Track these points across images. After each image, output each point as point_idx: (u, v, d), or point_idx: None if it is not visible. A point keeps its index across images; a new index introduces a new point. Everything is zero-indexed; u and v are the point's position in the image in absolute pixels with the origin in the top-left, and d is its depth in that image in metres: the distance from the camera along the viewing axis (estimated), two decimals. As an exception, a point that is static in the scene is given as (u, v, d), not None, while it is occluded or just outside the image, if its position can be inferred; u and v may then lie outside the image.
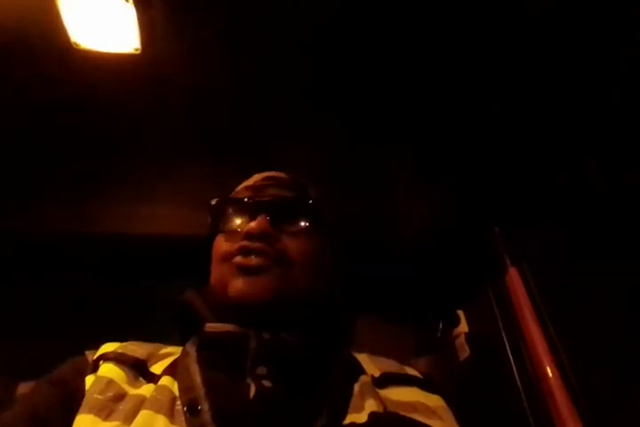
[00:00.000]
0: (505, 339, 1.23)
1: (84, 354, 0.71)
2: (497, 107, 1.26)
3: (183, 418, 0.58)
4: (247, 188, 0.80)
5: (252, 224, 0.71)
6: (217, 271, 0.74)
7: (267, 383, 0.63)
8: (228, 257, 0.71)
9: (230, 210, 0.77)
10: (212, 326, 0.69)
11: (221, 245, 0.74)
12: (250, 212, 0.74)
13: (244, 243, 0.70)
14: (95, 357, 0.69)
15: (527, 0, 1.04)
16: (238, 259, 0.69)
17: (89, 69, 1.21)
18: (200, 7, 1.10)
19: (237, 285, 0.68)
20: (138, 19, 1.10)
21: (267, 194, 0.77)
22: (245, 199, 0.76)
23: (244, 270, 0.68)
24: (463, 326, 1.44)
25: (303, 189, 0.80)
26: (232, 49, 1.19)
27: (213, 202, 0.79)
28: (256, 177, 0.83)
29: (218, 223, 0.77)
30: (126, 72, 1.22)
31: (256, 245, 0.69)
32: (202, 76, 1.25)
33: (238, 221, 0.75)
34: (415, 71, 1.21)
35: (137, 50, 1.16)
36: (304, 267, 0.72)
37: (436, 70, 1.21)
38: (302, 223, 0.75)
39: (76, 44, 1.15)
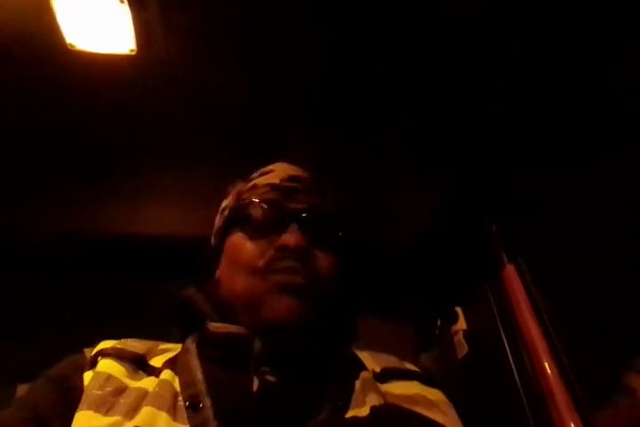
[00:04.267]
0: (503, 336, 1.23)
1: (82, 351, 0.71)
2: (494, 105, 1.26)
3: (185, 414, 0.58)
4: (273, 186, 0.75)
5: (288, 237, 0.68)
6: (242, 279, 0.69)
7: (270, 378, 0.63)
8: (259, 269, 0.68)
9: (257, 209, 0.73)
10: (216, 327, 0.68)
11: (246, 249, 0.71)
12: (281, 218, 0.70)
13: (281, 264, 0.67)
14: (93, 353, 0.69)
15: (526, 2, 1.04)
16: (281, 278, 0.66)
17: (85, 70, 1.21)
18: (195, 7, 1.10)
19: (280, 303, 0.65)
20: (133, 20, 1.09)
21: (297, 200, 0.73)
22: (277, 202, 0.72)
23: (285, 290, 0.66)
24: (462, 323, 1.45)
25: (326, 195, 0.78)
26: (229, 49, 1.19)
27: (240, 193, 0.76)
28: (279, 173, 0.78)
29: (239, 219, 0.74)
30: (122, 73, 1.22)
31: (292, 264, 0.67)
32: (199, 77, 1.25)
33: (267, 226, 0.71)
34: (413, 71, 1.21)
35: (132, 51, 1.16)
36: (332, 284, 0.71)
37: (434, 69, 1.21)
38: (332, 239, 0.73)
39: (71, 45, 1.15)
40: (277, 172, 0.79)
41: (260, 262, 0.68)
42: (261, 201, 0.73)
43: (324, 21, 1.12)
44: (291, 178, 0.77)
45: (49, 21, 1.09)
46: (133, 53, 1.17)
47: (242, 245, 0.71)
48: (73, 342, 0.77)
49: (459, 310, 1.48)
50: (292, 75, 1.24)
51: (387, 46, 1.16)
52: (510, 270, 1.26)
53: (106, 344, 0.71)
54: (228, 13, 1.11)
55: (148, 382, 0.64)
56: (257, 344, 0.65)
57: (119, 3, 1.07)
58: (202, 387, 0.62)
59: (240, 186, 0.80)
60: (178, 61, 1.21)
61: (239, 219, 0.74)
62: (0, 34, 1.12)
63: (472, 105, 1.28)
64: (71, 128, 1.37)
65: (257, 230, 0.71)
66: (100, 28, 1.12)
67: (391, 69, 1.21)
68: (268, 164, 0.83)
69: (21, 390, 1.43)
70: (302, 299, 0.66)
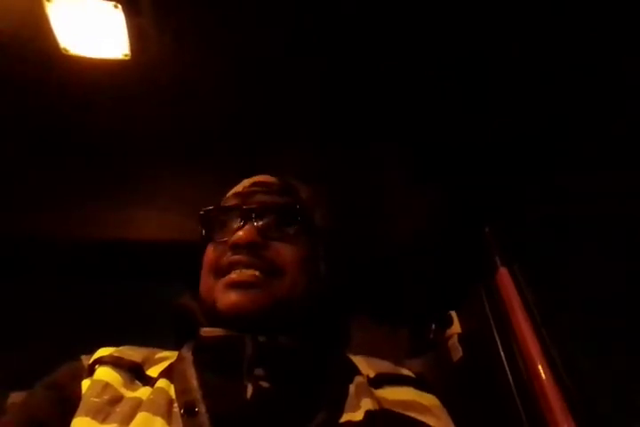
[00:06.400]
0: (497, 339, 1.23)
1: (79, 358, 0.71)
2: (491, 109, 1.27)
3: (180, 420, 0.59)
4: (236, 195, 0.80)
5: (239, 234, 0.71)
6: (205, 283, 0.74)
7: (264, 384, 0.63)
8: (217, 272, 0.72)
9: (219, 218, 0.77)
10: (206, 331, 0.69)
11: (210, 255, 0.75)
12: (237, 220, 0.74)
13: (233, 258, 0.70)
14: (91, 361, 0.69)
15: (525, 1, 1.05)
16: (231, 276, 0.69)
17: (79, 75, 1.21)
18: (190, 12, 1.10)
19: (228, 299, 0.68)
20: (127, 24, 1.10)
21: (254, 201, 0.76)
22: (232, 207, 0.76)
23: (234, 285, 0.68)
24: (456, 327, 1.45)
25: (293, 193, 0.80)
26: (222, 53, 1.20)
27: (202, 211, 0.79)
28: (244, 183, 0.83)
29: (208, 232, 0.77)
30: (117, 78, 1.22)
31: (244, 258, 0.69)
32: (193, 81, 1.25)
33: (226, 230, 0.75)
34: (411, 72, 1.22)
35: (127, 55, 1.16)
36: (294, 275, 0.72)
37: (431, 71, 1.21)
38: (291, 229, 0.74)
39: (65, 49, 1.14)
40: (245, 181, 0.84)
41: (219, 266, 0.72)
42: (222, 209, 0.78)
43: (325, 28, 1.13)
44: (253, 184, 0.81)
45: (43, 26, 1.09)
46: (127, 58, 1.17)
47: (208, 252, 0.76)
48: (67, 348, 0.77)
49: (453, 314, 1.48)
50: (292, 79, 1.25)
51: (383, 46, 1.16)
52: (504, 274, 1.27)
53: (103, 352, 0.71)
54: (224, 19, 1.12)
55: (143, 392, 0.64)
56: (248, 346, 0.65)
57: (113, 8, 1.07)
58: (197, 394, 0.62)
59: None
60: (172, 67, 1.21)
61: (209, 230, 0.78)
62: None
63: (469, 110, 1.28)
64: (65, 133, 1.37)
65: (220, 236, 0.75)
66: (95, 33, 1.12)
67: (388, 69, 1.21)
68: (262, 169, 0.85)
69: (14, 397, 1.42)
70: (254, 290, 0.68)
